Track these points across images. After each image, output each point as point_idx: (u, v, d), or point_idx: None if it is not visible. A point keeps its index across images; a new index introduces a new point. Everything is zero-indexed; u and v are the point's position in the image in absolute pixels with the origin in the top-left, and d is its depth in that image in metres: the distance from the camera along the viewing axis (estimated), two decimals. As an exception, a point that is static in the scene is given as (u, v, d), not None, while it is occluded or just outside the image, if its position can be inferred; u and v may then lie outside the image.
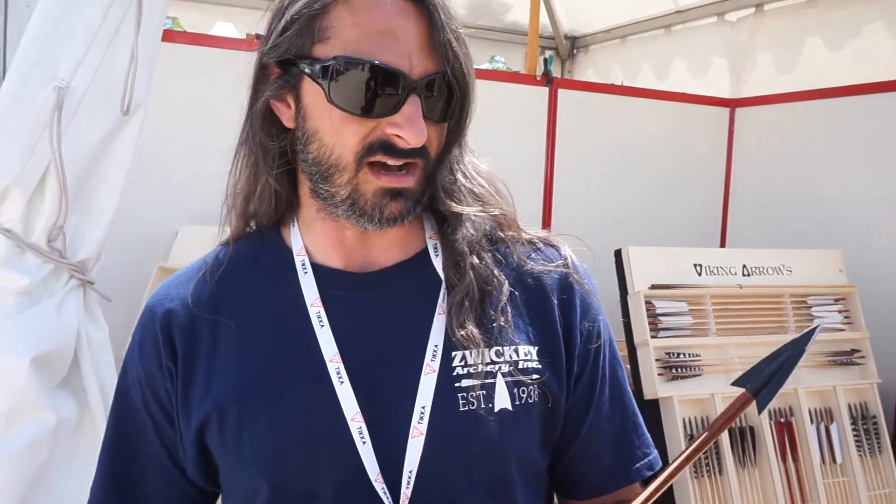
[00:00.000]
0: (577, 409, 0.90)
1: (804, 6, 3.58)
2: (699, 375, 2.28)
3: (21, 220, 1.55)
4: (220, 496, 0.92)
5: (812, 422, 2.36)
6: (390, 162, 0.80)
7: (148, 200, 2.41)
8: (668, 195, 3.44)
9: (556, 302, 0.90)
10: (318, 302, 0.86)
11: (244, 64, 0.87)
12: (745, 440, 2.27)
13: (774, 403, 2.34)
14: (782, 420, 2.35)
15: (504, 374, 0.84)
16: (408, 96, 0.78)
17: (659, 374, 2.22)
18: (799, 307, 2.49)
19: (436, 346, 0.84)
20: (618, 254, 2.36)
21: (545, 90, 3.24)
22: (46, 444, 1.57)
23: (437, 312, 0.85)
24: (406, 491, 0.80)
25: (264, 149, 0.87)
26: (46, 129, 1.53)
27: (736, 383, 0.79)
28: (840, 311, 2.54)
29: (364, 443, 0.80)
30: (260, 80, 0.85)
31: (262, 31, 0.86)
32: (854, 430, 2.40)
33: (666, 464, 0.80)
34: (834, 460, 2.37)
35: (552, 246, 0.95)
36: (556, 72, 4.43)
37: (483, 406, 0.82)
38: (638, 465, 0.93)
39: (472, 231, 0.88)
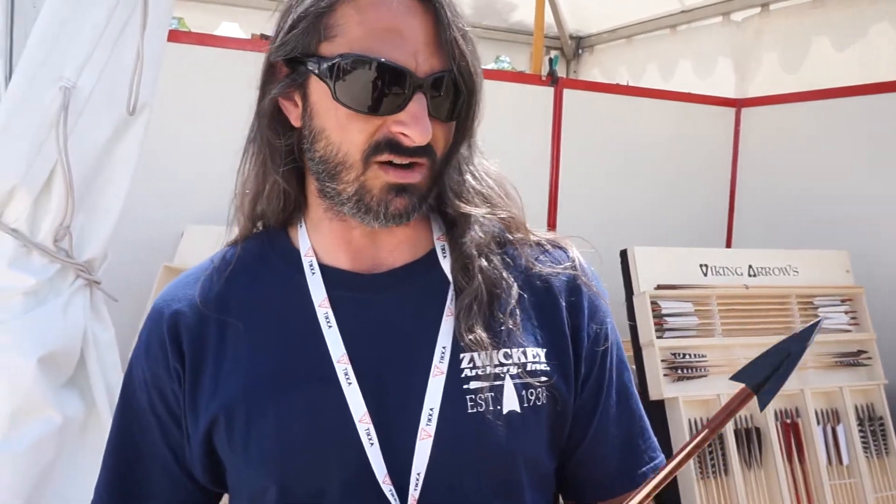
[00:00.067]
0: (585, 411, 0.90)
1: (810, 6, 3.57)
2: (705, 376, 2.27)
3: (28, 220, 1.55)
4: (226, 496, 0.92)
5: (818, 423, 2.35)
6: (396, 160, 0.80)
7: (154, 200, 2.42)
8: (674, 195, 3.43)
9: (564, 304, 0.89)
10: (326, 303, 0.85)
11: (251, 64, 0.87)
12: (751, 441, 2.26)
13: (780, 404, 2.33)
14: (788, 421, 2.34)
15: (512, 377, 0.84)
16: (413, 94, 0.78)
17: (664, 375, 2.22)
18: (805, 308, 2.48)
19: (444, 347, 0.83)
20: (623, 254, 2.35)
21: (550, 90, 3.23)
22: (53, 444, 1.58)
23: (446, 314, 0.85)
24: (414, 493, 0.79)
25: (272, 147, 0.87)
26: (53, 130, 1.53)
27: (735, 378, 0.76)
28: (847, 312, 2.53)
29: (372, 444, 0.80)
30: (268, 79, 0.85)
31: (267, 31, 0.86)
32: (861, 431, 2.39)
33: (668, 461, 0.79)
34: (840, 462, 2.36)
35: (560, 248, 0.94)
36: (561, 72, 4.42)
37: (491, 408, 0.82)
38: (644, 468, 0.92)
39: (480, 233, 0.88)
